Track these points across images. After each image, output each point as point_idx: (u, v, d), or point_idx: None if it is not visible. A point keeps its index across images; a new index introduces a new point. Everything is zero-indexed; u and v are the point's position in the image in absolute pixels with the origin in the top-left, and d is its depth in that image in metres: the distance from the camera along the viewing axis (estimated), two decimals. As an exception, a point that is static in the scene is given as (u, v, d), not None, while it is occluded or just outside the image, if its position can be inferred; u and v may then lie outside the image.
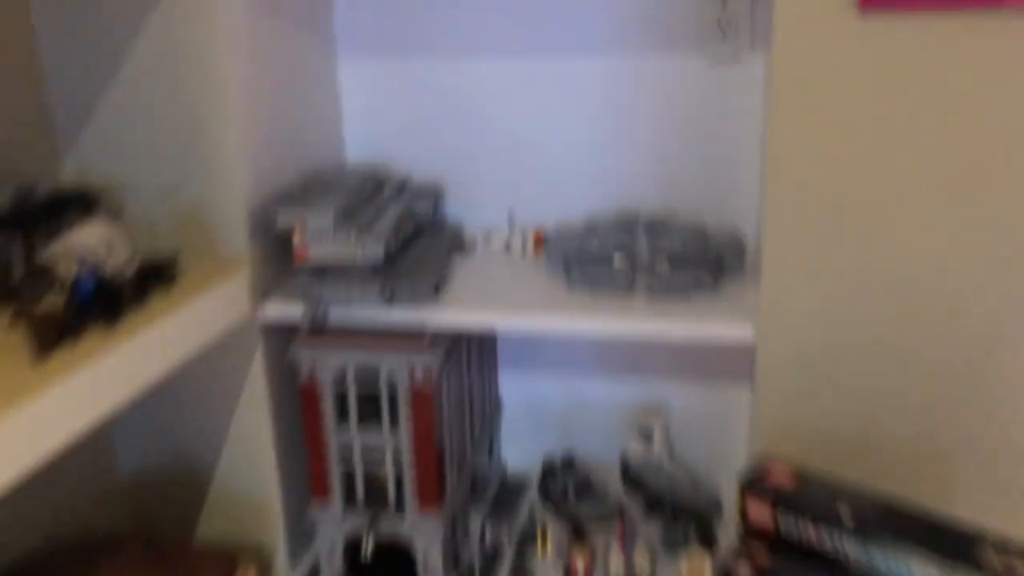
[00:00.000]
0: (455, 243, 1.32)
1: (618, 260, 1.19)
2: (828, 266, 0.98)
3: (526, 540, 1.32)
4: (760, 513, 0.88)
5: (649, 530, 1.32)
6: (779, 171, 0.97)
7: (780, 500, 0.87)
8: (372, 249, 1.08)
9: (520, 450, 1.51)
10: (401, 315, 1.11)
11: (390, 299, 1.11)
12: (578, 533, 1.31)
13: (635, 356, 1.40)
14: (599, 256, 1.21)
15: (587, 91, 1.29)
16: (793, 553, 0.86)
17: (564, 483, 1.40)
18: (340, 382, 1.13)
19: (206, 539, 1.26)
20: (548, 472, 1.45)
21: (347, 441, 1.15)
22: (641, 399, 1.43)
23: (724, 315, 1.05)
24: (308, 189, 1.19)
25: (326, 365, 1.12)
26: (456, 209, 1.40)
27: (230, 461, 1.22)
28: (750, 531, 0.90)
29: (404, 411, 1.11)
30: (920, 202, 0.94)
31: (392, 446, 1.14)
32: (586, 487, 1.40)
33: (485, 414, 1.39)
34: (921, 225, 0.95)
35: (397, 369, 1.10)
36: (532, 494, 1.44)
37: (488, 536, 1.29)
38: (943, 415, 0.99)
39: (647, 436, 1.37)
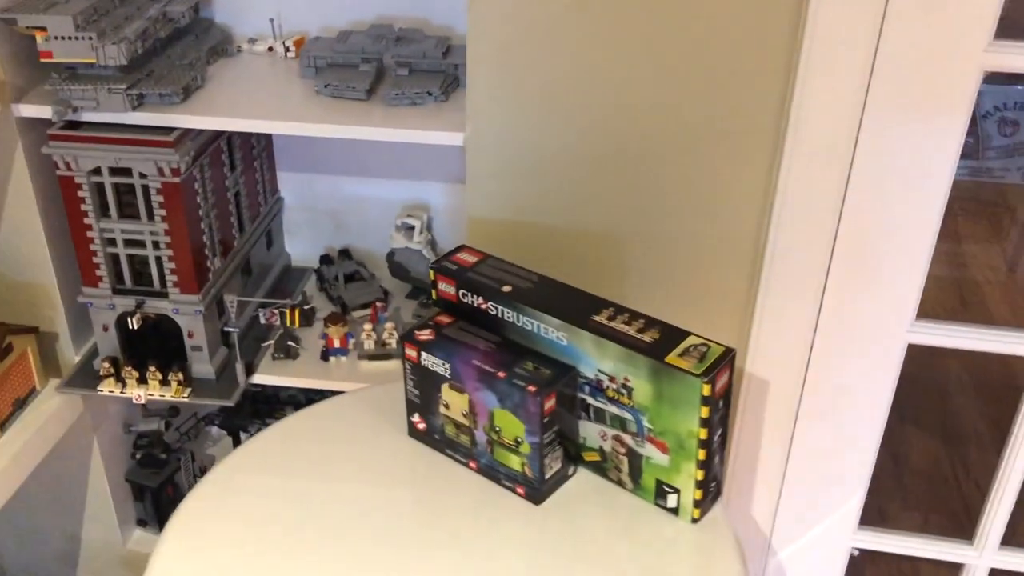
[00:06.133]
0: (218, 47, 1.39)
1: (363, 67, 1.30)
2: (525, 81, 1.12)
3: (296, 318, 1.49)
4: (446, 287, 1.06)
5: (408, 311, 1.52)
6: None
7: (459, 275, 1.04)
8: (114, 53, 1.15)
9: (306, 244, 1.65)
10: (149, 117, 1.20)
11: (138, 103, 1.20)
12: (343, 312, 1.49)
13: (401, 159, 1.53)
14: (347, 63, 1.31)
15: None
16: (465, 318, 1.05)
17: (337, 271, 1.56)
18: (97, 176, 1.22)
19: (-8, 322, 1.37)
20: (325, 262, 1.61)
21: (110, 230, 1.26)
22: (410, 198, 1.58)
23: (440, 122, 1.19)
24: (58, -10, 1.23)
25: (80, 162, 1.21)
26: (224, 14, 1.45)
27: (6, 252, 1.32)
28: (439, 302, 1.08)
29: (157, 203, 1.23)
30: (599, 30, 1.08)
31: (151, 234, 1.26)
32: (356, 275, 1.57)
33: (260, 209, 1.51)
34: (600, 50, 1.09)
35: (146, 166, 1.20)
36: (312, 281, 1.61)
37: (263, 315, 1.45)
38: (620, 210, 1.18)
39: (409, 229, 1.53)
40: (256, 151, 1.48)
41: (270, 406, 1.66)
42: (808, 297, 1.15)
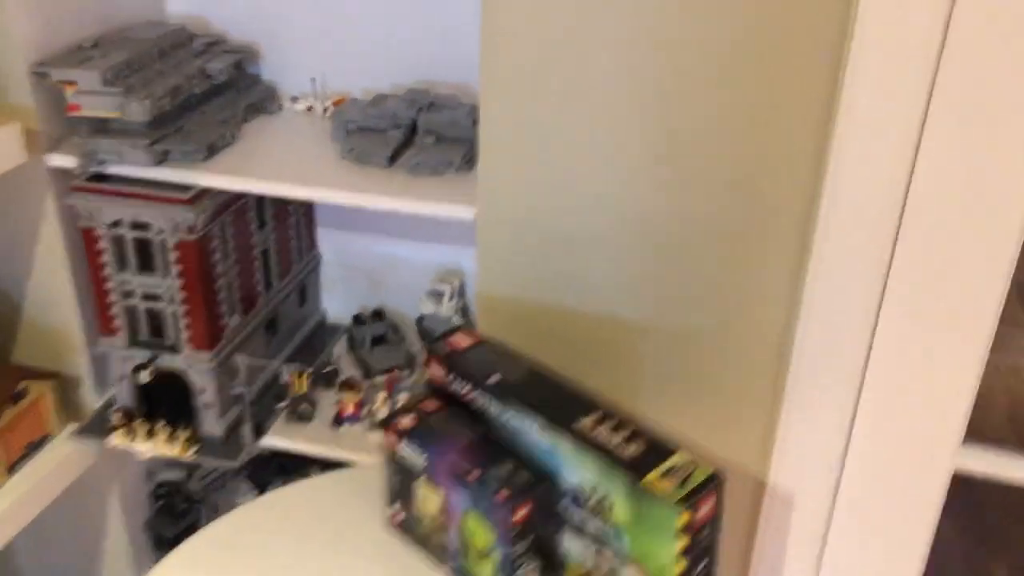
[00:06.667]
0: (258, 104, 1.38)
1: (391, 133, 1.27)
2: (537, 158, 1.06)
3: (319, 380, 1.45)
4: (436, 371, 1.00)
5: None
6: (493, 66, 1.03)
7: (449, 360, 0.98)
8: (137, 110, 1.15)
9: (342, 301, 1.63)
10: (169, 174, 1.19)
11: (162, 159, 1.20)
12: (366, 375, 1.45)
13: (436, 223, 1.49)
14: (377, 127, 1.28)
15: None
16: (453, 405, 0.98)
17: (366, 333, 1.53)
18: (117, 229, 1.23)
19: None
20: (357, 322, 1.57)
21: (128, 282, 1.26)
22: (446, 262, 1.53)
23: (455, 194, 1.14)
24: (98, 44, 1.25)
25: (102, 214, 1.22)
26: (272, 71, 1.45)
27: (35, 298, 1.33)
28: (430, 385, 1.02)
29: (173, 259, 1.22)
30: (615, 107, 1.01)
31: (167, 289, 1.25)
32: (385, 337, 1.53)
33: (292, 265, 1.50)
34: (616, 127, 1.02)
35: (163, 222, 1.20)
36: (343, 340, 1.58)
37: (286, 372, 1.43)
38: (635, 297, 1.09)
39: (438, 295, 1.48)
40: (292, 207, 1.47)
41: (296, 462, 1.63)
42: (839, 405, 1.03)
